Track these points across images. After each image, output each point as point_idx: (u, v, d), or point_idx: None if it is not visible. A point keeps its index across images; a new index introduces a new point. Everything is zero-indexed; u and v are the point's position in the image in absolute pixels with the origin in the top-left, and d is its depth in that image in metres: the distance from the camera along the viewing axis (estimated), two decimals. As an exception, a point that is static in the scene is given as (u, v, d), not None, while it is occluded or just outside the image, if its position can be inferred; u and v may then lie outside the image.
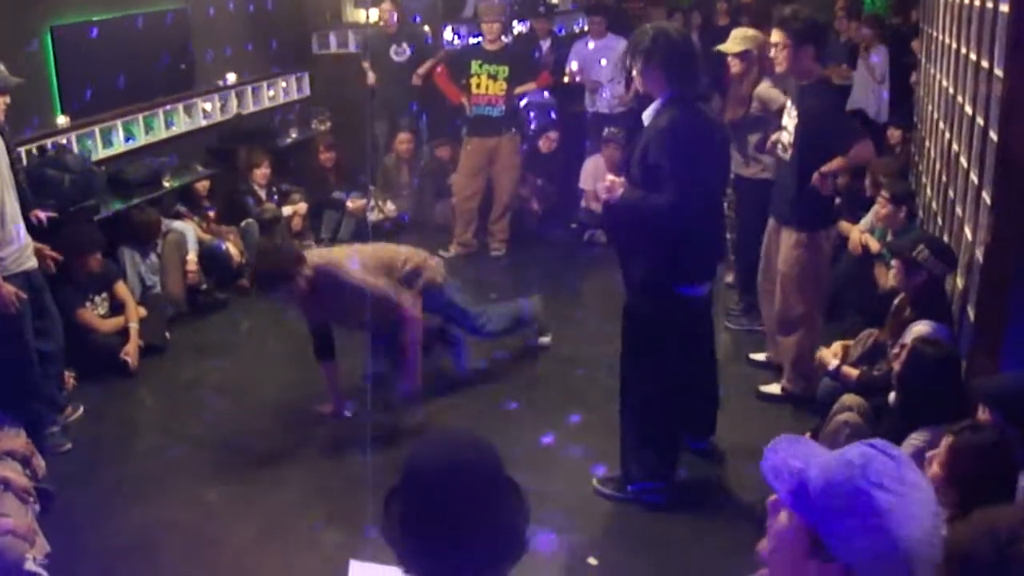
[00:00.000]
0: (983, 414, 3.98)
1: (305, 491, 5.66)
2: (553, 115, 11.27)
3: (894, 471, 1.86)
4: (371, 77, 10.70)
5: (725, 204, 7.43)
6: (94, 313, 7.17)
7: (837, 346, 6.04)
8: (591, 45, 10.66)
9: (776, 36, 6.16)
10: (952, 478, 3.59)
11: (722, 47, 7.23)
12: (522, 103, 10.32)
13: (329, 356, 6.43)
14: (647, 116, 5.09)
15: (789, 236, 6.25)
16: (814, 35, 6.03)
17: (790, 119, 6.18)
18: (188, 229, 8.35)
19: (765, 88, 6.99)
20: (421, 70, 10.70)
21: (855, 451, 1.91)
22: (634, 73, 5.11)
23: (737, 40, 7.17)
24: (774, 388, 6.58)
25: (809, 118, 6.01)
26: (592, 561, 4.98)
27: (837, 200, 8.00)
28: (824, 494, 1.86)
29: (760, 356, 7.05)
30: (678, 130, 4.88)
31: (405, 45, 10.72)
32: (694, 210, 4.87)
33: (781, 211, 6.36)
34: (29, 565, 4.48)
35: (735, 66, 7.20)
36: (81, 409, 6.57)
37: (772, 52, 6.30)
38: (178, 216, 8.66)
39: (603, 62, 10.43)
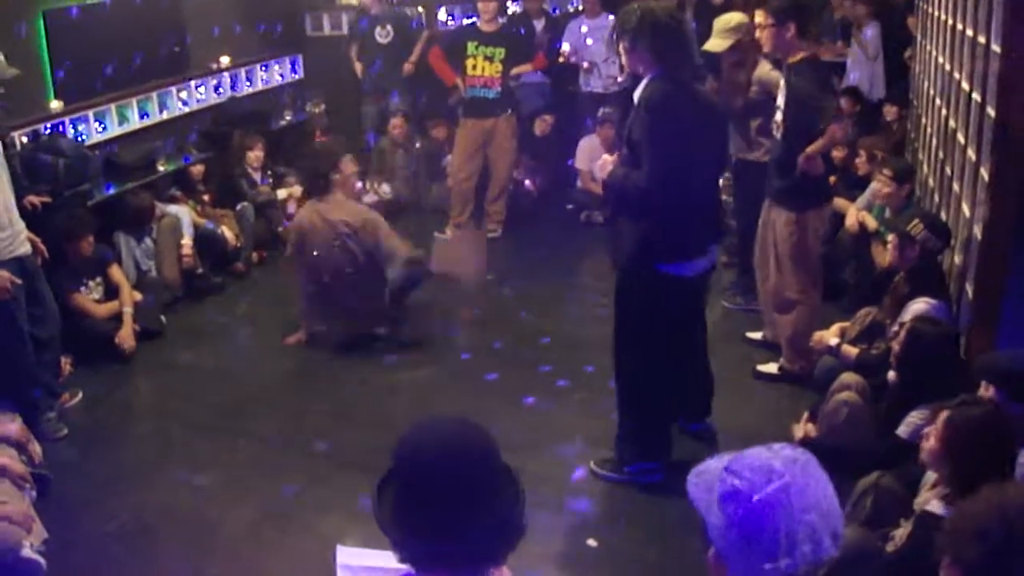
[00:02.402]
0: (985, 391, 3.98)
1: (302, 476, 5.65)
2: (547, 98, 11.23)
3: (762, 465, 1.97)
4: (358, 68, 10.74)
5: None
6: (88, 298, 7.13)
7: (836, 328, 6.03)
8: (585, 25, 10.59)
9: (759, 16, 6.18)
10: (947, 451, 3.62)
11: (707, 47, 7.03)
12: (517, 80, 10.29)
13: None
14: (636, 94, 5.06)
15: (780, 215, 6.25)
16: (795, 13, 5.97)
17: (781, 98, 6.17)
18: (183, 213, 8.31)
19: (766, 71, 6.91)
20: (413, 57, 10.69)
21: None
22: (621, 54, 5.07)
23: (720, 35, 6.96)
24: (771, 368, 6.56)
25: (795, 97, 5.99)
26: (591, 542, 4.98)
27: (832, 178, 8.02)
28: (703, 484, 2.03)
29: (756, 335, 7.03)
30: (659, 106, 4.83)
31: (389, 27, 10.69)
32: (676, 188, 4.80)
33: (773, 191, 6.35)
34: (26, 551, 4.46)
35: (729, 60, 7.12)
36: (80, 395, 6.55)
37: (757, 33, 6.28)
38: (173, 200, 8.63)
39: (596, 41, 10.36)
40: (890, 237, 5.81)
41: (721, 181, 6.53)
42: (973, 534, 1.84)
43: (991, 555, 1.79)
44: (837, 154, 8.33)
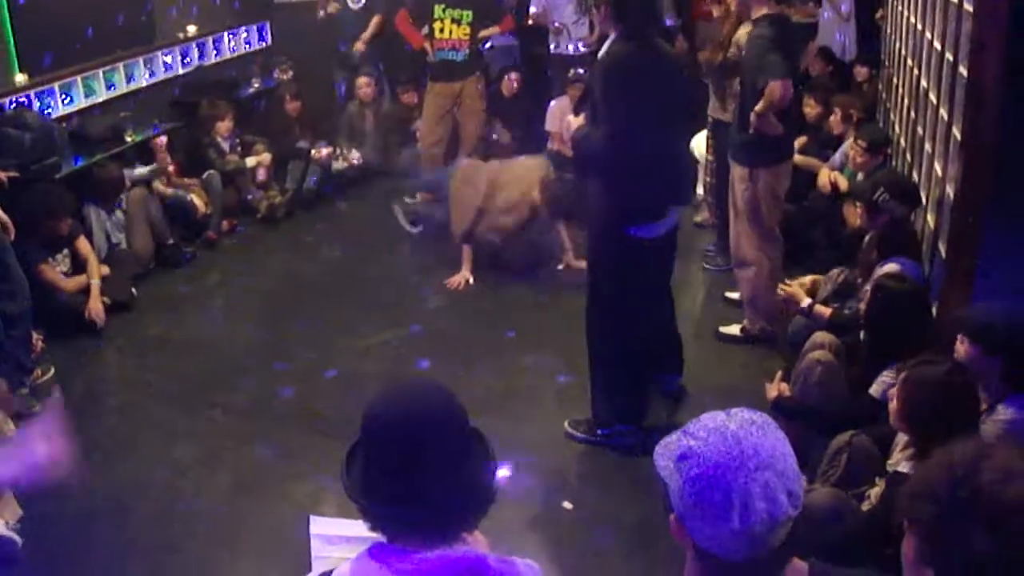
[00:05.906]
0: (961, 344, 3.97)
1: (275, 446, 5.64)
2: (516, 60, 11.14)
3: (717, 427, 1.97)
4: (333, 7, 10.59)
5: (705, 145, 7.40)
6: (56, 271, 7.05)
7: (808, 279, 6.04)
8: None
9: None
10: (907, 411, 3.61)
11: None
12: (486, 46, 10.22)
13: None
14: (600, 55, 5.04)
15: (736, 171, 6.26)
16: None
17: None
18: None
19: (743, 33, 6.90)
20: (365, 34, 10.59)
21: None
22: (592, 14, 5.09)
23: None
24: (733, 329, 6.58)
25: (750, 54, 5.99)
26: (567, 505, 4.99)
27: (803, 138, 7.99)
28: (666, 453, 2.03)
29: (735, 295, 7.02)
30: (616, 67, 4.82)
31: None
32: (636, 149, 4.78)
33: (731, 146, 6.37)
34: (1, 529, 4.44)
35: (716, 10, 7.15)
36: (52, 371, 6.47)
37: None
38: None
39: (566, 3, 10.29)
40: (857, 203, 5.83)
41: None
42: (925, 496, 1.82)
43: (942, 516, 1.77)
44: (809, 111, 8.33)
